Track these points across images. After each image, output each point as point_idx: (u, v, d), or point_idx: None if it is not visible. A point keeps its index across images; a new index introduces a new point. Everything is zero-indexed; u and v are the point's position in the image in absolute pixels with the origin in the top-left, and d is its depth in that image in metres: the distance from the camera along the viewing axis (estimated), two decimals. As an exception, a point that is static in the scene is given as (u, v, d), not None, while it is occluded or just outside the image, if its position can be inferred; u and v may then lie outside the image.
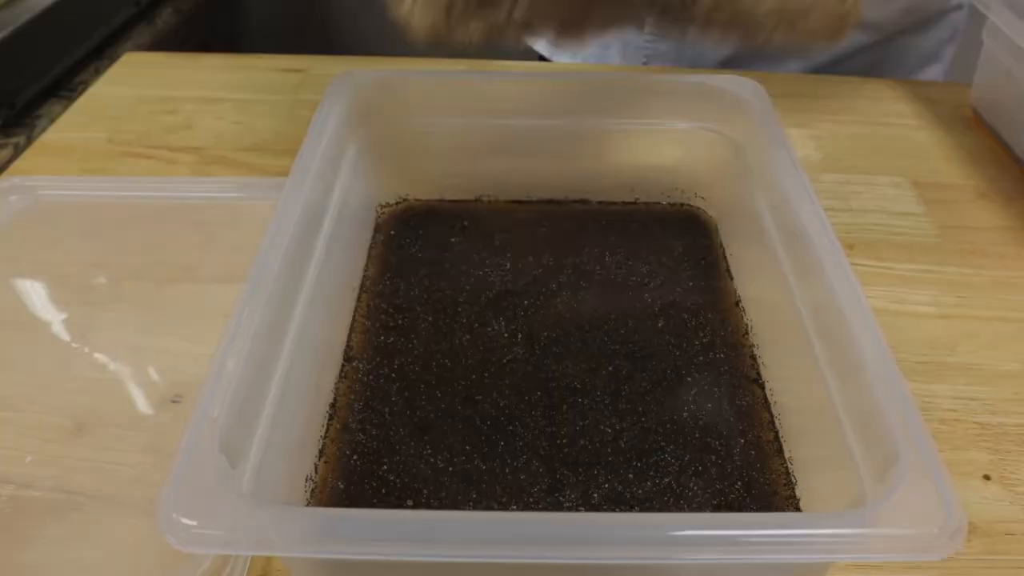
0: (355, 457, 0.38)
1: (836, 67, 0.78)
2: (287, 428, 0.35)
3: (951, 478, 0.28)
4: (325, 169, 0.44)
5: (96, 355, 0.45)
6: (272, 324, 0.35)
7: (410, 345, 0.44)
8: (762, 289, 0.45)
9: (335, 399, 0.41)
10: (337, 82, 0.49)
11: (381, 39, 0.48)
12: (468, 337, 0.44)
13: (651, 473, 0.37)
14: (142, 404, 0.42)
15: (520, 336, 0.44)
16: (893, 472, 0.29)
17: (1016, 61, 0.63)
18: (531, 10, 0.40)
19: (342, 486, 0.37)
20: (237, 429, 0.30)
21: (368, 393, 0.41)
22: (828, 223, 0.38)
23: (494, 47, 0.42)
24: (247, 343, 0.32)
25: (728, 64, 0.78)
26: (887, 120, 0.70)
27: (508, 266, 0.49)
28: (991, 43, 0.67)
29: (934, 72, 0.82)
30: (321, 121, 0.46)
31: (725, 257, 0.50)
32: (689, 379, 0.42)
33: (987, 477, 0.41)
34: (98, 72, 0.86)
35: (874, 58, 0.77)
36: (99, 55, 0.90)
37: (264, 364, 0.34)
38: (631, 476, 0.37)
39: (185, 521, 0.26)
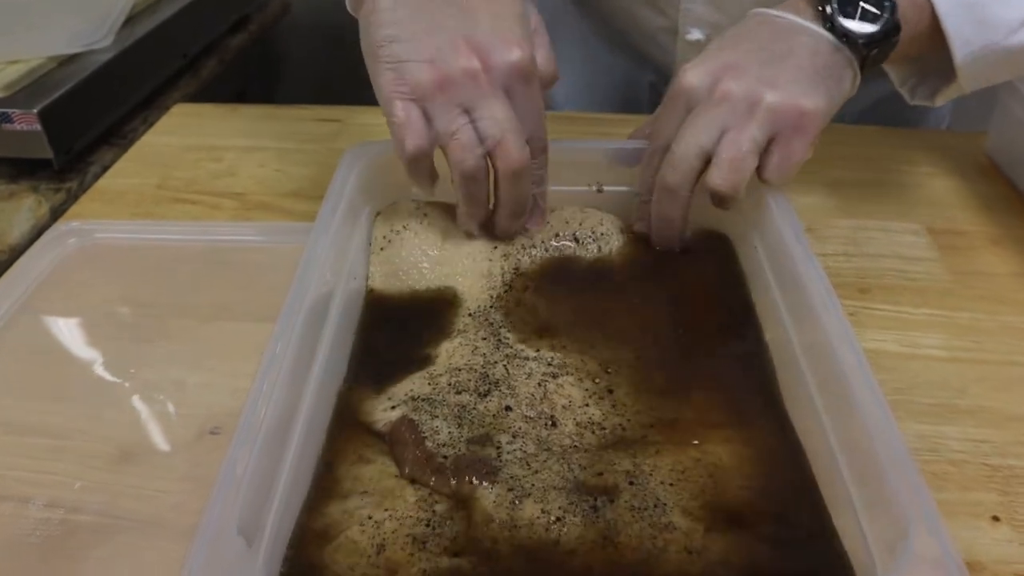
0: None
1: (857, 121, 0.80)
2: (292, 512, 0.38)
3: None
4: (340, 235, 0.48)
5: (141, 388, 0.48)
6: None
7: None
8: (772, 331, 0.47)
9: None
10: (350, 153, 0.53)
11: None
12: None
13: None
14: (183, 435, 0.45)
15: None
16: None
17: (1029, 112, 0.65)
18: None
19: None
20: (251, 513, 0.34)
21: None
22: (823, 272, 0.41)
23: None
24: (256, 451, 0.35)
25: None
26: (903, 168, 0.72)
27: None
28: (1005, 95, 0.69)
29: (943, 108, 0.83)
30: (338, 187, 0.50)
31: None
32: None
33: (996, 518, 0.42)
34: (147, 121, 0.91)
35: (885, 108, 0.79)
36: (148, 105, 0.95)
37: (272, 462, 0.37)
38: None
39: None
